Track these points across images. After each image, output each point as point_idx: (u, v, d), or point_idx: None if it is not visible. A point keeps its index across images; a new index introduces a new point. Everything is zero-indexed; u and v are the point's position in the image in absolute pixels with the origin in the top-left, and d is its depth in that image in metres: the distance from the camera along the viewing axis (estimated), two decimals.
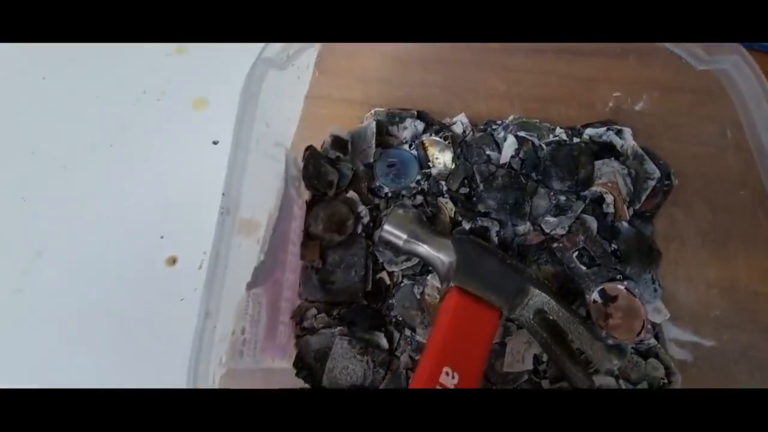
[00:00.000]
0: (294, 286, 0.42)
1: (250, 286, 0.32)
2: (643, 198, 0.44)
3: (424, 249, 0.41)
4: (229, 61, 0.42)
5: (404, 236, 0.41)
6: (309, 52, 0.40)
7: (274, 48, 0.35)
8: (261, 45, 0.36)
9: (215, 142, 0.56)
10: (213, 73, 0.59)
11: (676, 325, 0.41)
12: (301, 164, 0.45)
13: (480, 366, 0.32)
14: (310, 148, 0.46)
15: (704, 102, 0.42)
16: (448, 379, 0.30)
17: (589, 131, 0.49)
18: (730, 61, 0.35)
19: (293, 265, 0.42)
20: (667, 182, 0.44)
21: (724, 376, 0.41)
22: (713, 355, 0.41)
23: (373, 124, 0.49)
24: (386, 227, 0.41)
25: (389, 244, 0.42)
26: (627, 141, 0.47)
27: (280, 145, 0.41)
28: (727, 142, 0.43)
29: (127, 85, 0.61)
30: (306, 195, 0.47)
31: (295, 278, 0.43)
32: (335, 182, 0.47)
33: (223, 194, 0.30)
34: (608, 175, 0.46)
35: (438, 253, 0.40)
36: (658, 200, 0.44)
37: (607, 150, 0.48)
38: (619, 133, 0.48)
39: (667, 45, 0.37)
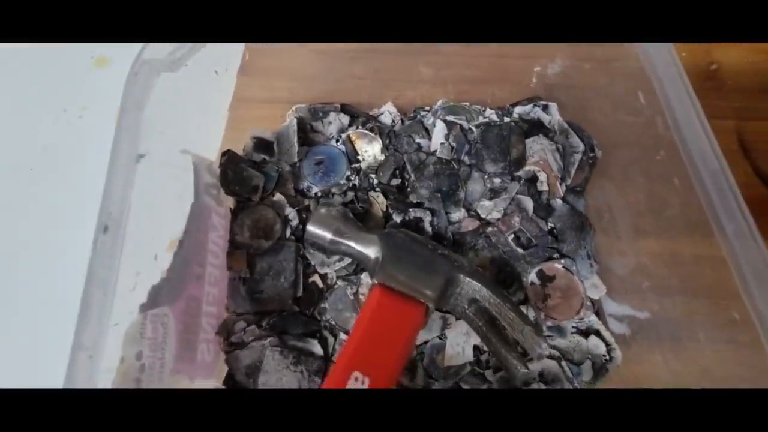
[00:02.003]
0: (218, 300, 0.40)
1: (146, 307, 0.30)
2: (573, 172, 0.43)
3: (350, 247, 0.39)
4: None
5: (329, 236, 0.39)
6: (208, 51, 0.37)
7: (159, 49, 0.33)
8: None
9: (141, 156, 0.54)
10: None
11: (614, 299, 0.40)
12: (218, 170, 0.43)
13: (393, 367, 0.30)
14: (227, 153, 0.44)
15: (622, 68, 0.41)
16: (357, 384, 0.28)
17: (518, 110, 0.48)
18: None
19: (216, 279, 0.40)
20: (591, 154, 0.42)
21: (670, 343, 0.40)
22: (655, 325, 0.40)
23: (294, 121, 0.46)
24: (309, 228, 0.40)
25: (315, 246, 0.40)
26: (553, 116, 0.46)
27: (186, 153, 0.39)
28: (655, 106, 0.42)
29: (47, 104, 0.58)
30: (230, 202, 0.44)
31: (219, 292, 0.40)
32: (260, 186, 0.45)
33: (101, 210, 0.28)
34: (539, 152, 0.45)
35: (365, 250, 0.38)
36: (585, 174, 0.43)
37: (536, 127, 0.46)
38: (545, 108, 0.46)
39: None
